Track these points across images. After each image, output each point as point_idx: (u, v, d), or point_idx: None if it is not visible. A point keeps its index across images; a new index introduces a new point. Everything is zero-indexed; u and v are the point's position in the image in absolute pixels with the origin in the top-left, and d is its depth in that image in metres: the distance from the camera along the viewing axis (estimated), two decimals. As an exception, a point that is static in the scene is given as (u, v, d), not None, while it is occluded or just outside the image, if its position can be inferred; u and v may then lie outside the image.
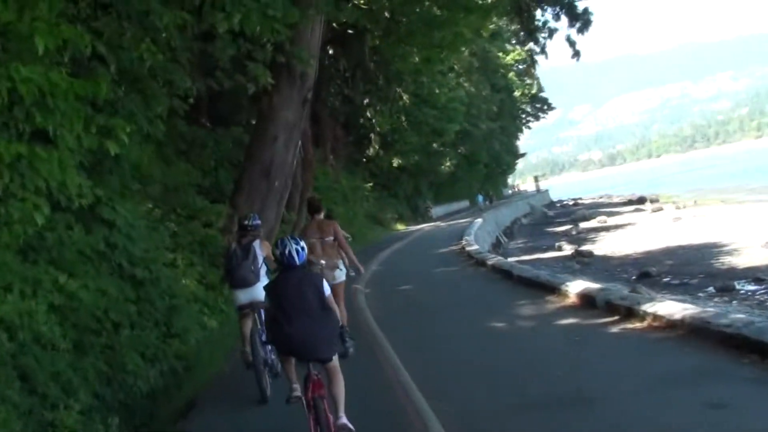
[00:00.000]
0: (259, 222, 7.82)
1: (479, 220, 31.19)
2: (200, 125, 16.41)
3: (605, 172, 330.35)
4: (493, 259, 16.62)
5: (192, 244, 12.19)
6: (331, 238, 8.76)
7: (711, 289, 15.47)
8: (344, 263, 8.89)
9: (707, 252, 21.26)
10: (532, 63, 52.30)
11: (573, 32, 30.40)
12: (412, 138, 40.12)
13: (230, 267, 7.43)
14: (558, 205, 72.54)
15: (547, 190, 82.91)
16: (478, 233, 26.12)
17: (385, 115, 35.76)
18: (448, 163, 48.05)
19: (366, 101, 34.38)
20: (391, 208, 42.93)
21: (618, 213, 46.77)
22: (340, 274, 8.78)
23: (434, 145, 43.91)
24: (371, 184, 38.06)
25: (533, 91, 65.17)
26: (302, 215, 20.95)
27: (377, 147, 41.50)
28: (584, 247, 26.64)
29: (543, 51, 63.88)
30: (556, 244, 29.09)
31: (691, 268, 18.71)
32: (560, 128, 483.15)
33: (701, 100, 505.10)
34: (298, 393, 5.33)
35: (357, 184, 36.05)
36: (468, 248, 20.11)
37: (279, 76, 12.84)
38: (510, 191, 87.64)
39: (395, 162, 41.93)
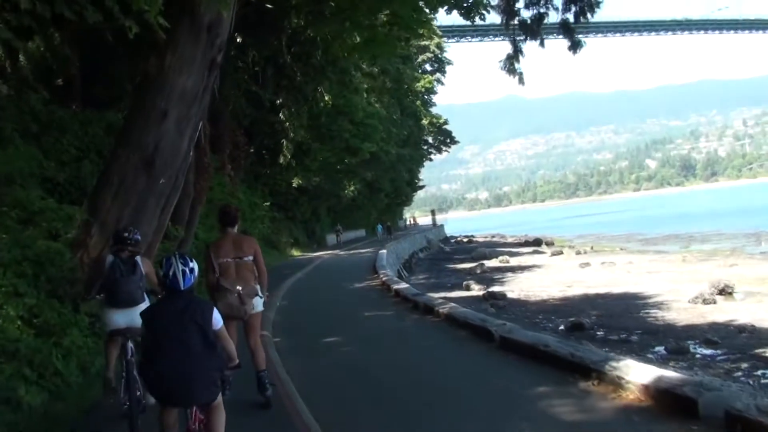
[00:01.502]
0: (139, 237, 6.93)
1: (384, 252, 28.83)
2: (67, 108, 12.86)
3: (491, 212, 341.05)
4: (446, 307, 12.84)
5: (22, 263, 8.35)
6: (250, 258, 7.11)
7: (661, 350, 13.67)
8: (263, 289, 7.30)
9: (632, 304, 19.80)
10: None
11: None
12: (325, 153, 36.18)
13: (111, 282, 6.48)
14: (453, 241, 71.38)
15: (442, 225, 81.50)
16: (387, 267, 23.74)
17: (302, 118, 31.16)
18: (351, 188, 45.03)
19: (279, 101, 29.79)
20: (287, 232, 39.55)
21: (518, 254, 46.04)
22: (259, 303, 7.23)
23: (344, 163, 39.73)
24: (269, 203, 34.01)
25: (441, 121, 63.57)
26: (192, 231, 17.59)
27: (289, 156, 35.76)
28: (494, 288, 24.84)
29: (441, 83, 63.29)
30: (464, 282, 27.08)
31: (621, 321, 17.08)
32: (450, 166, 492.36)
33: (585, 149, 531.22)
34: None
35: (256, 200, 31.55)
36: (395, 286, 17.48)
37: (177, 25, 8.78)
38: (405, 223, 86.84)
39: (295, 182, 38.43)
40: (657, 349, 13.73)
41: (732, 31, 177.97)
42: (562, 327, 16.61)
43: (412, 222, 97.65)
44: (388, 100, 45.04)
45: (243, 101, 26.79)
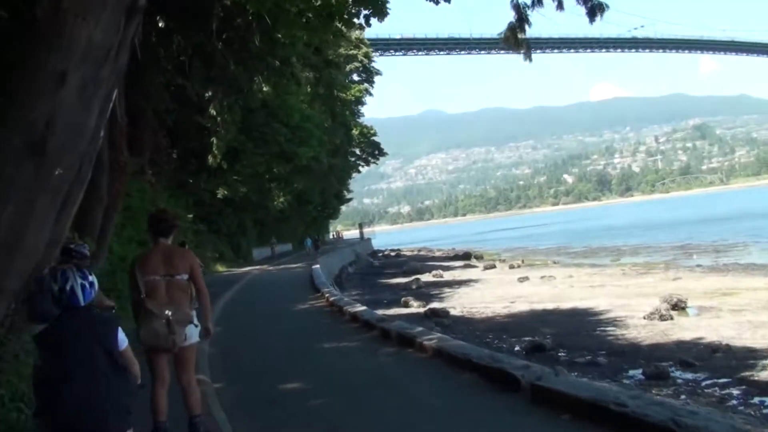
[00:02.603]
0: (87, 252, 6.83)
1: (317, 267, 27.19)
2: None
3: (414, 226, 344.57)
4: (432, 338, 10.39)
5: None
6: (185, 276, 5.97)
7: (637, 374, 12.52)
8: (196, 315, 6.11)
9: (585, 321, 18.77)
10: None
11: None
12: (257, 158, 33.14)
13: (37, 295, 5.34)
14: (380, 255, 70.02)
15: (369, 239, 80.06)
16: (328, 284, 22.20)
17: (235, 113, 27.50)
18: (281, 199, 42.80)
19: (208, 94, 26.27)
20: (211, 246, 37.05)
21: (450, 268, 45.18)
22: (194, 333, 6.01)
23: (275, 171, 37.15)
24: (192, 216, 31.31)
25: (371, 132, 62.04)
26: (105, 244, 15.22)
27: (219, 157, 31.32)
28: (434, 305, 23.50)
29: (370, 93, 61.91)
30: (402, 299, 25.61)
31: (579, 340, 15.95)
32: (372, 180, 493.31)
33: (504, 165, 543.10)
34: None
35: (179, 211, 27.05)
36: (350, 308, 15.57)
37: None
38: (333, 237, 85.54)
39: (221, 193, 35.98)
40: (632, 373, 12.53)
41: (647, 50, 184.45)
42: (518, 348, 15.39)
43: (338, 235, 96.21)
44: (320, 106, 42.86)
45: (166, 96, 23.60)
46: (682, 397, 10.89)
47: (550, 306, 21.65)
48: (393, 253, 70.92)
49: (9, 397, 5.86)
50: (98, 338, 3.91)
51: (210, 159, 31.65)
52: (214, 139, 30.15)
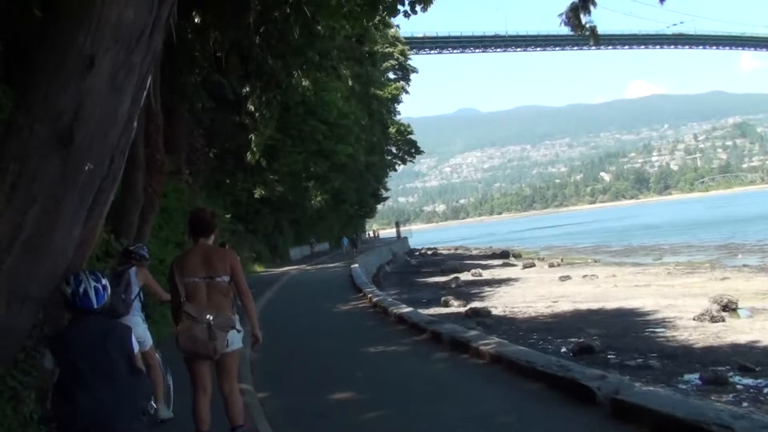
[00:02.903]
0: (147, 254, 7.18)
1: (356, 266, 26.82)
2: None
3: (449, 224, 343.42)
4: (490, 343, 9.69)
5: None
6: (226, 278, 5.62)
7: (693, 378, 11.80)
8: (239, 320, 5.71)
9: (632, 321, 18.04)
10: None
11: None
12: (295, 155, 32.41)
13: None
14: (417, 253, 69.52)
15: (406, 238, 79.58)
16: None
17: (273, 108, 26.11)
18: (318, 198, 42.43)
19: (245, 90, 25.21)
20: (248, 246, 36.56)
21: (489, 266, 44.72)
22: (236, 339, 5.63)
23: (311, 171, 36.54)
24: (229, 215, 30.86)
25: (408, 129, 61.41)
26: (143, 243, 15.25)
27: (258, 154, 29.84)
28: (475, 304, 23.00)
29: (406, 91, 61.13)
30: (442, 298, 25.16)
31: (627, 341, 15.30)
32: (407, 179, 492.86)
33: (540, 163, 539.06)
34: None
35: (216, 211, 27.24)
36: (396, 309, 15.02)
37: None
38: (370, 236, 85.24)
39: (258, 193, 35.68)
40: (688, 377, 11.82)
41: (686, 47, 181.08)
42: (564, 349, 14.74)
43: (374, 234, 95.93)
44: (357, 104, 42.17)
45: (203, 93, 23.15)
46: (744, 404, 10.25)
47: (594, 306, 21.00)
48: (430, 252, 70.47)
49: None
50: (116, 343, 3.85)
51: (248, 156, 30.71)
52: (252, 136, 29.28)
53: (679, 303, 20.17)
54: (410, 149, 65.43)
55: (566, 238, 79.52)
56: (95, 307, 3.84)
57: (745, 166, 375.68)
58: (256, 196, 36.61)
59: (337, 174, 41.61)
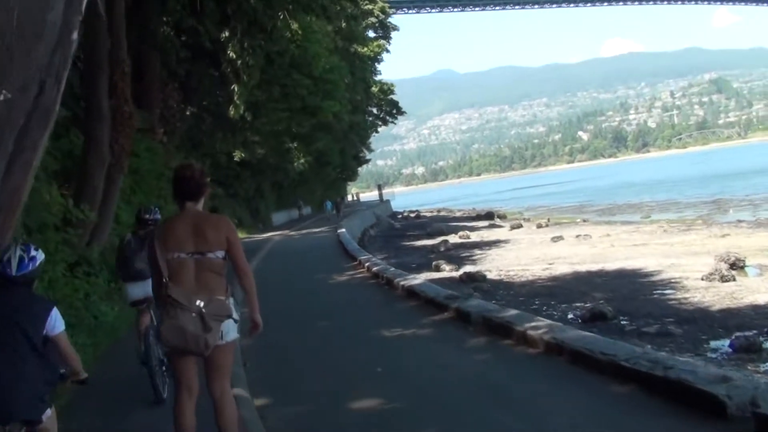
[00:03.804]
0: (159, 217, 7.22)
1: (343, 231, 25.73)
2: None
3: (429, 187, 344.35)
4: (541, 328, 7.92)
5: None
6: (220, 253, 4.54)
7: (722, 346, 10.82)
8: (236, 303, 4.66)
9: (637, 283, 17.10)
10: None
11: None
12: (279, 113, 29.63)
13: (124, 259, 7.18)
14: (399, 216, 68.55)
15: (389, 200, 78.50)
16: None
17: (257, 56, 23.70)
18: (302, 160, 41.00)
19: (224, 35, 22.76)
20: (229, 211, 34.58)
21: (475, 228, 43.93)
22: (231, 329, 4.56)
23: (293, 131, 34.64)
24: (209, 179, 29.17)
25: (392, 87, 59.80)
26: (109, 213, 13.44)
27: (242, 107, 26.81)
28: (468, 268, 22.08)
29: (387, 51, 59.44)
30: (433, 263, 24.17)
31: (637, 305, 14.40)
32: (385, 142, 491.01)
33: (518, 123, 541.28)
34: None
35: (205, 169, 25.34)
36: (402, 281, 13.50)
37: None
38: (352, 200, 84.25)
39: (237, 155, 34.18)
40: (715, 344, 10.88)
41: (662, 2, 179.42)
42: (571, 315, 13.77)
43: (355, 198, 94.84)
44: (339, 60, 40.39)
45: (176, 42, 20.98)
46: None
47: (593, 267, 20.13)
48: (413, 215, 69.40)
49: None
50: (26, 316, 3.72)
51: (231, 111, 27.96)
52: (235, 87, 26.39)
53: (682, 262, 19.40)
54: (392, 110, 63.93)
55: (548, 198, 79.22)
56: (13, 275, 3.74)
57: (721, 122, 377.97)
58: (236, 159, 35.08)
59: (322, 133, 39.54)
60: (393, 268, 16.30)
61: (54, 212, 10.26)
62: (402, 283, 13.29)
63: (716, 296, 14.53)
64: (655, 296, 15.31)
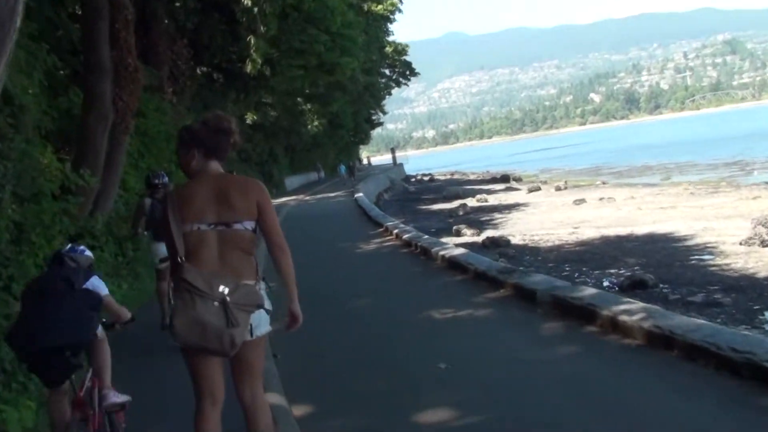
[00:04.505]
0: (167, 180, 7.42)
1: (361, 195, 25.03)
2: None
3: (439, 150, 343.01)
4: (637, 314, 6.38)
5: None
6: (250, 224, 3.62)
7: (776, 316, 10.08)
8: (269, 289, 3.74)
9: (670, 248, 16.31)
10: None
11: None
12: (295, 70, 27.29)
13: (152, 220, 7.31)
14: (413, 180, 67.71)
15: (402, 164, 77.49)
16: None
17: (274, 3, 21.97)
18: (316, 123, 39.95)
19: None
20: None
21: (492, 191, 43.29)
22: (263, 321, 3.65)
23: (307, 92, 33.41)
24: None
25: (406, 48, 58.37)
26: (115, 178, 12.24)
27: (260, 62, 24.77)
28: (490, 233, 21.45)
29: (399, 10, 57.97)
30: (453, 227, 23.51)
31: (678, 273, 13.51)
32: (394, 105, 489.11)
33: (529, 85, 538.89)
34: None
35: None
36: (441, 250, 12.36)
37: None
38: (365, 163, 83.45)
39: (249, 118, 33.20)
40: (768, 314, 10.16)
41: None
42: (607, 283, 12.95)
43: (367, 162, 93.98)
44: (354, 17, 38.82)
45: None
46: None
47: (622, 232, 19.35)
48: (426, 178, 68.64)
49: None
50: (68, 274, 4.18)
51: (248, 66, 25.61)
52: (251, 39, 24.22)
53: (715, 226, 18.66)
54: (405, 71, 62.51)
55: (562, 161, 78.18)
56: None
57: (735, 83, 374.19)
58: (249, 121, 34.03)
59: (339, 93, 38.03)
60: (426, 236, 15.36)
61: (50, 178, 9.29)
62: (441, 253, 12.13)
63: (760, 262, 13.71)
64: (693, 262, 14.49)
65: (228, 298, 3.33)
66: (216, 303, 3.32)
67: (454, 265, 11.24)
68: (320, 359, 7.05)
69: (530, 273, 9.93)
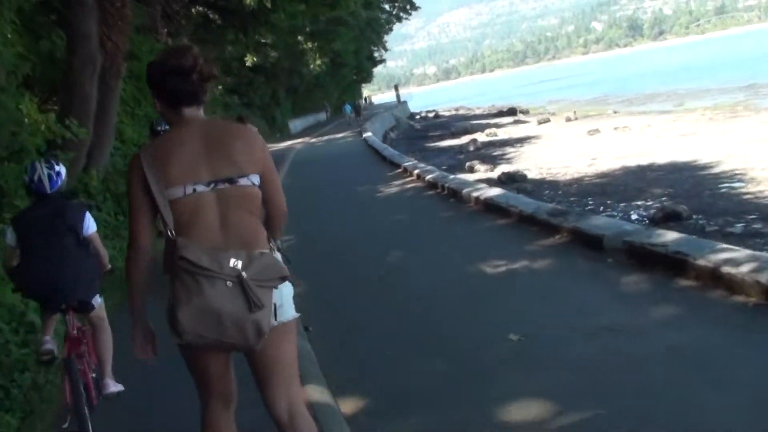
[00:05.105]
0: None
1: (369, 134, 24.31)
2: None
3: (441, 86, 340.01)
4: (745, 263, 5.25)
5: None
6: (256, 177, 2.75)
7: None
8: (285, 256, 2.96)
9: (697, 177, 15.62)
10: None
11: None
12: (297, 6, 25.10)
13: None
14: (418, 117, 66.56)
15: (405, 102, 76.12)
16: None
17: None
18: (318, 62, 38.71)
19: None
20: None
21: (501, 125, 42.34)
22: (288, 298, 2.78)
23: (308, 30, 32.06)
24: (221, 86, 27.07)
25: (404, -22, 56.62)
26: (109, 128, 11.17)
27: None
28: (504, 168, 20.77)
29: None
30: (466, 164, 22.79)
31: (708, 202, 12.81)
32: (394, 42, 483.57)
33: (529, 16, 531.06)
34: (48, 346, 4.64)
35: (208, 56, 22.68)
36: (473, 192, 11.27)
37: None
38: (366, 102, 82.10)
39: (249, 60, 31.98)
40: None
41: None
42: (635, 216, 12.28)
43: (368, 101, 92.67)
44: None
45: None
46: None
47: (643, 161, 18.63)
48: (431, 115, 67.50)
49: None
50: (65, 222, 4.36)
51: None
52: None
53: (739, 152, 17.85)
54: (405, 5, 60.69)
55: (568, 91, 76.65)
56: (48, 192, 4.38)
57: (740, 5, 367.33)
58: (248, 64, 32.80)
59: (343, 28, 36.51)
60: (452, 175, 14.52)
61: (32, 131, 8.28)
62: (475, 194, 11.04)
63: (791, 190, 13.16)
64: (723, 191, 13.84)
65: (244, 274, 2.55)
66: (229, 283, 2.54)
67: (491, 207, 10.20)
68: (359, 333, 5.90)
69: (588, 215, 8.86)
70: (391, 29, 67.76)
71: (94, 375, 4.60)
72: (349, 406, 4.40)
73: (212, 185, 2.67)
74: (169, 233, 2.65)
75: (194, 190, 2.65)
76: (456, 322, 5.71)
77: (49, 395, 5.33)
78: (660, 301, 5.40)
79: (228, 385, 2.89)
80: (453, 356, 4.94)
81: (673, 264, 5.85)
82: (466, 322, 5.63)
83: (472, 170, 21.33)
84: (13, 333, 5.90)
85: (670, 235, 6.60)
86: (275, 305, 2.68)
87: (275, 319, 2.70)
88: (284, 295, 2.76)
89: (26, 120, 8.14)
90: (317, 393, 4.34)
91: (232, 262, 2.55)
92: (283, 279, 2.69)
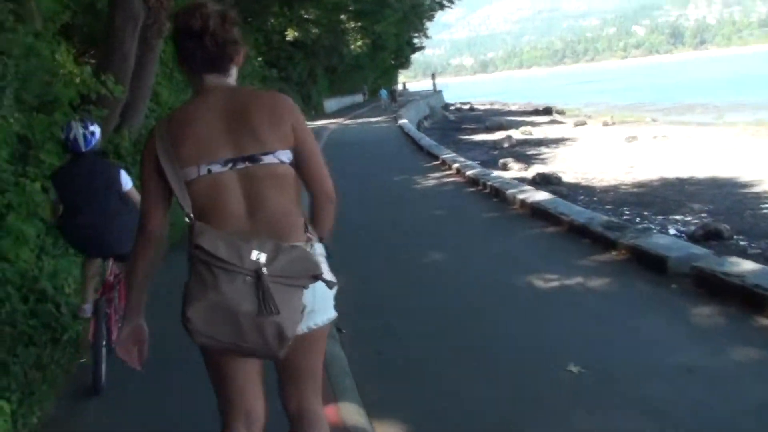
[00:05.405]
0: None
1: (405, 122, 23.99)
2: None
3: (478, 78, 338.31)
4: None
5: None
6: (286, 155, 2.27)
7: None
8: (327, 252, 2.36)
9: (738, 194, 15.16)
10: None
11: None
12: None
13: None
14: (452, 108, 66.00)
15: (441, 91, 75.25)
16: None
17: None
18: (359, 43, 38.30)
19: None
20: (280, 96, 32.23)
21: (536, 124, 41.70)
22: (324, 302, 2.35)
23: (352, 9, 31.62)
24: (261, 59, 26.61)
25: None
26: (146, 88, 10.65)
27: None
28: (539, 168, 20.47)
29: None
30: (500, 161, 22.42)
31: (750, 221, 12.30)
32: (433, 30, 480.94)
33: (571, 15, 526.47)
34: (87, 314, 4.94)
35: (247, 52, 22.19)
36: (521, 195, 10.64)
37: None
38: (402, 88, 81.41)
39: (290, 35, 31.66)
40: None
41: None
42: (673, 231, 11.88)
43: (403, 87, 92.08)
44: None
45: None
46: None
47: (683, 174, 18.09)
48: (465, 107, 66.93)
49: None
50: (101, 179, 4.67)
51: None
52: None
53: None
54: (448, -8, 59.96)
55: (606, 95, 75.59)
56: (83, 150, 4.61)
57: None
58: (289, 38, 32.46)
59: (385, 9, 35.63)
60: (494, 173, 14.10)
61: (66, 83, 7.83)
62: (521, 196, 10.46)
63: None
64: (765, 212, 13.37)
65: (264, 270, 2.16)
66: (249, 278, 2.17)
67: (538, 212, 9.62)
68: (397, 342, 5.35)
69: (649, 232, 8.18)
70: (433, 16, 67.02)
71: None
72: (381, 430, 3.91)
73: (230, 164, 2.31)
74: (186, 218, 2.31)
75: (209, 170, 2.30)
76: (509, 343, 5.19)
77: (53, 376, 4.80)
78: (740, 341, 4.78)
79: (252, 402, 2.53)
80: (507, 383, 4.47)
81: (750, 298, 5.25)
82: (520, 345, 5.11)
83: (505, 168, 20.87)
84: (22, 301, 5.46)
85: (745, 265, 6.02)
86: (305, 307, 2.29)
87: (303, 325, 2.35)
88: (317, 298, 2.37)
89: (61, 71, 7.73)
90: (354, 413, 3.88)
91: (255, 254, 2.17)
92: (315, 278, 2.27)
